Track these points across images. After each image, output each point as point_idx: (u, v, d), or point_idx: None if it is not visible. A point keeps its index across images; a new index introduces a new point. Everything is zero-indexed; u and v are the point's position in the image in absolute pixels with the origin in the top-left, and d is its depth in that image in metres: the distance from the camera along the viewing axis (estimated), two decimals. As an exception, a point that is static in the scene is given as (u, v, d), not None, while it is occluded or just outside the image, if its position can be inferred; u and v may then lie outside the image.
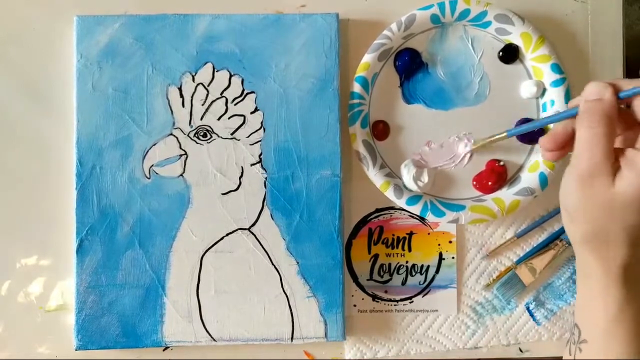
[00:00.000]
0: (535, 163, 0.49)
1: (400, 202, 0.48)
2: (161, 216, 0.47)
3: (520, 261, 0.50)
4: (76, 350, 0.47)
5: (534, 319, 0.50)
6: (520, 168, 0.50)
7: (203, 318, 0.48)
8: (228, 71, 0.48)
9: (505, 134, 0.45)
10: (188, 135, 0.48)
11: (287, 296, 0.48)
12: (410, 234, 0.50)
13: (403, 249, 0.50)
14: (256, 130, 0.48)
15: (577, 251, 0.38)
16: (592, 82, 0.36)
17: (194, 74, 0.48)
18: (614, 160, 0.35)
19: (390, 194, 0.48)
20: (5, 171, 0.49)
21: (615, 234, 0.35)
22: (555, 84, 0.48)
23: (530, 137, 0.49)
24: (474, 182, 0.49)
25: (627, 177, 0.34)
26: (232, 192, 0.48)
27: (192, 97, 0.48)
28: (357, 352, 0.49)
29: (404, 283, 0.50)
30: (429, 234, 0.50)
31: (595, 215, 0.35)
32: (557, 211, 0.50)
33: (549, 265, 0.50)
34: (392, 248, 0.50)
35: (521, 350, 0.51)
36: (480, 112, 0.49)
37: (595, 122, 0.35)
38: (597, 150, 0.34)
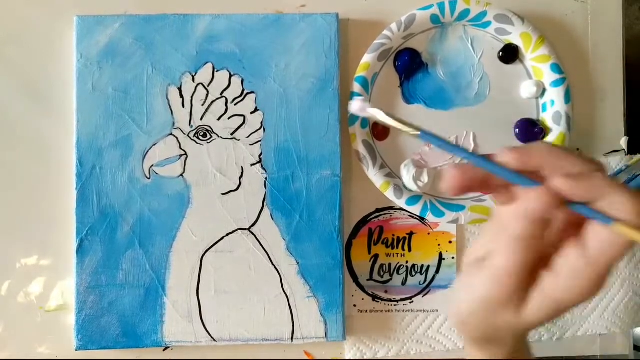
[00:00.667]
0: (535, 163, 0.49)
1: (400, 202, 0.48)
2: (161, 216, 0.47)
3: (520, 261, 0.50)
4: (76, 350, 0.47)
5: (534, 319, 0.50)
6: (520, 168, 0.50)
7: (203, 318, 0.48)
8: (228, 71, 0.48)
9: (418, 133, 0.33)
10: (188, 136, 0.48)
11: (287, 296, 0.48)
12: (410, 234, 0.50)
13: (403, 249, 0.50)
14: (256, 131, 0.48)
15: (465, 346, 0.36)
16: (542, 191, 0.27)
17: (194, 74, 0.48)
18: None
19: (390, 194, 0.48)
20: (6, 171, 0.49)
21: (505, 337, 0.32)
22: (555, 84, 0.48)
23: (531, 137, 0.49)
24: (474, 182, 0.49)
25: (536, 305, 0.29)
26: (232, 192, 0.48)
27: (192, 97, 0.48)
28: (357, 352, 0.49)
29: (404, 283, 0.50)
30: (429, 234, 0.50)
31: (490, 333, 0.32)
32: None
33: (548, 265, 0.50)
34: (392, 248, 0.50)
35: (521, 350, 0.51)
36: (480, 112, 0.50)
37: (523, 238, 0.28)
38: (514, 277, 0.28)
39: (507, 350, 0.33)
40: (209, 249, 0.48)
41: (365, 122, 0.48)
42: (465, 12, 0.48)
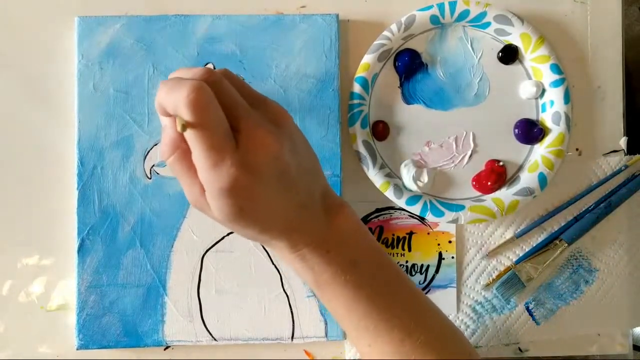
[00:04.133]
0: (534, 163, 0.49)
1: (400, 202, 0.48)
2: (162, 216, 0.48)
3: (519, 261, 0.50)
4: (77, 349, 0.47)
5: (534, 319, 0.51)
6: (519, 168, 0.50)
7: (204, 317, 0.48)
8: (229, 72, 0.48)
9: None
10: (189, 136, 0.48)
11: (287, 296, 0.48)
12: (410, 233, 0.50)
13: (403, 249, 0.50)
14: (257, 131, 0.48)
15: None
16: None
17: (194, 74, 0.48)
18: None
19: (390, 194, 0.48)
20: (7, 171, 0.49)
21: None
22: (555, 84, 0.48)
23: (530, 137, 0.49)
24: (474, 182, 0.49)
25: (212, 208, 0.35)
26: (233, 192, 0.48)
27: (192, 97, 0.48)
28: (357, 351, 0.50)
29: (403, 283, 0.50)
30: (428, 233, 0.50)
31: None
32: (556, 211, 0.50)
33: (548, 265, 0.50)
34: (392, 248, 0.50)
35: (520, 350, 0.51)
36: (480, 113, 0.50)
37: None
38: (186, 189, 0.35)
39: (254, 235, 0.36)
40: (210, 248, 0.48)
41: (365, 122, 0.48)
42: (465, 13, 0.48)
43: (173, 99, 0.32)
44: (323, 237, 0.36)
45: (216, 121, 0.32)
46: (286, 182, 0.34)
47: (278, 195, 0.34)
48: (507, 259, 0.51)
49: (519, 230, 0.50)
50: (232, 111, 0.33)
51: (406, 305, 0.37)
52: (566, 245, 0.50)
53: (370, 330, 0.36)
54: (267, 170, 0.33)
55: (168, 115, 0.34)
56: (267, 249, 0.48)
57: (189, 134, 0.32)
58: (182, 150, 0.33)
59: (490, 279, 0.50)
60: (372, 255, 0.38)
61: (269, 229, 0.35)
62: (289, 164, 0.34)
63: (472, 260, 0.50)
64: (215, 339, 0.48)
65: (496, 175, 0.49)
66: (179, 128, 0.31)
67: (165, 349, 0.49)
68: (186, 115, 0.31)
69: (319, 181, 0.38)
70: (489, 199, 0.49)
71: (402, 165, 0.49)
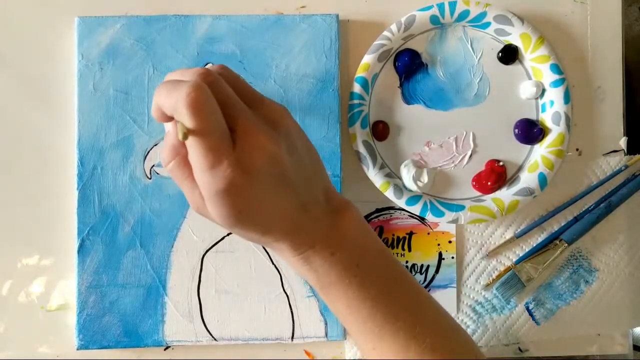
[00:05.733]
0: (534, 163, 0.49)
1: (400, 202, 0.48)
2: (162, 216, 0.48)
3: (519, 261, 0.50)
4: (77, 349, 0.47)
5: (534, 319, 0.51)
6: (519, 168, 0.50)
7: (204, 318, 0.48)
8: (229, 72, 0.48)
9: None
10: (189, 136, 0.48)
11: (287, 296, 0.48)
12: (410, 234, 0.50)
13: (403, 249, 0.50)
14: (257, 131, 0.48)
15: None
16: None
17: (194, 74, 0.48)
18: None
19: (390, 194, 0.48)
20: (7, 171, 0.49)
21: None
22: (555, 84, 0.48)
23: (530, 137, 0.49)
24: (474, 182, 0.49)
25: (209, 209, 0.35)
26: (233, 192, 0.48)
27: (192, 97, 0.48)
28: (357, 351, 0.50)
29: (403, 283, 0.50)
30: (428, 234, 0.50)
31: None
32: (556, 211, 0.50)
33: (548, 265, 0.50)
34: (392, 248, 0.50)
35: (520, 350, 0.51)
36: (480, 113, 0.50)
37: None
38: (186, 193, 0.35)
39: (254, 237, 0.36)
40: (210, 248, 0.48)
41: (365, 122, 0.48)
42: (465, 13, 0.48)
43: (172, 100, 0.32)
44: (327, 238, 0.36)
45: (215, 122, 0.32)
46: (285, 183, 0.34)
47: (277, 196, 0.34)
48: (507, 259, 0.51)
49: (519, 230, 0.50)
50: (229, 111, 0.33)
51: (412, 307, 0.37)
52: (566, 245, 0.50)
53: (375, 333, 0.36)
54: (263, 171, 0.33)
55: (166, 119, 0.34)
56: (270, 251, 0.48)
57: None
58: (182, 156, 0.33)
59: (490, 279, 0.50)
60: (377, 256, 0.37)
61: (270, 231, 0.35)
62: (287, 164, 0.34)
63: (472, 260, 0.50)
64: (215, 339, 0.48)
65: (496, 175, 0.49)
66: (180, 136, 0.31)
67: (165, 349, 0.49)
68: (185, 115, 0.31)
69: (321, 181, 0.37)
70: (489, 199, 0.49)
71: (402, 166, 0.49)
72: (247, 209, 0.33)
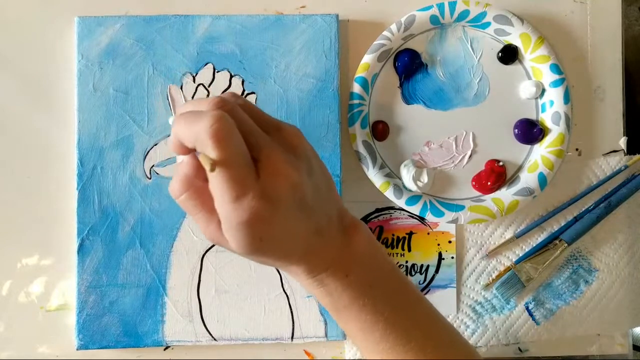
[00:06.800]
0: (534, 163, 0.49)
1: (400, 202, 0.48)
2: (162, 216, 0.48)
3: (519, 261, 0.50)
4: (77, 350, 0.47)
5: (533, 319, 0.51)
6: (519, 168, 0.50)
7: (204, 317, 0.48)
8: (228, 72, 0.48)
9: None
10: (189, 136, 0.48)
11: (287, 296, 0.48)
12: (410, 233, 0.50)
13: (403, 249, 0.50)
14: (256, 131, 0.48)
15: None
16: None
17: (194, 74, 0.48)
18: None
19: (390, 194, 0.48)
20: (7, 171, 0.49)
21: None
22: (554, 84, 0.49)
23: (530, 137, 0.49)
24: (473, 182, 0.49)
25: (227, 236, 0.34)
26: (233, 192, 0.48)
27: (192, 97, 0.48)
28: (357, 351, 0.50)
29: (403, 283, 0.50)
30: (428, 233, 0.50)
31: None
32: (556, 211, 0.50)
33: (548, 265, 0.50)
34: (392, 248, 0.50)
35: (520, 350, 0.51)
36: (480, 113, 0.50)
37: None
38: (198, 219, 0.34)
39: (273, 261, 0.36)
40: (210, 248, 0.48)
41: (365, 122, 0.48)
42: (465, 13, 0.48)
43: (194, 131, 0.31)
44: (340, 260, 0.35)
45: (240, 152, 0.31)
46: (304, 209, 0.33)
47: (297, 222, 0.33)
48: (507, 259, 0.51)
49: (518, 230, 0.50)
50: (251, 139, 0.32)
51: (423, 326, 0.37)
52: (566, 245, 0.50)
53: (387, 353, 0.36)
54: (286, 199, 0.32)
55: (187, 152, 0.33)
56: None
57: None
58: (195, 188, 0.33)
59: (490, 279, 0.50)
60: (389, 276, 0.37)
61: (287, 257, 0.34)
62: (307, 189, 0.33)
63: (472, 260, 0.50)
64: (215, 339, 0.48)
65: (496, 175, 0.49)
66: (207, 167, 0.30)
67: (165, 349, 0.49)
68: (209, 146, 0.30)
69: (335, 202, 0.37)
70: (488, 199, 0.49)
71: (402, 166, 0.49)
72: (267, 237, 0.32)
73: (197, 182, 0.33)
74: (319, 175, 0.36)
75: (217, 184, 0.31)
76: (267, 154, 0.33)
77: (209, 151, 0.30)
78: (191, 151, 0.33)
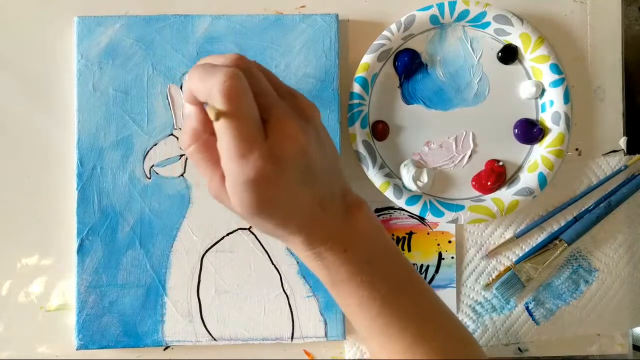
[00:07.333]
0: (534, 163, 0.49)
1: (400, 202, 0.48)
2: (162, 216, 0.48)
3: (519, 261, 0.50)
4: (77, 350, 0.47)
5: (533, 319, 0.51)
6: (519, 168, 0.50)
7: (204, 318, 0.48)
8: (228, 72, 0.48)
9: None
10: (188, 136, 0.48)
11: (287, 296, 0.48)
12: (410, 233, 0.50)
13: (402, 249, 0.50)
14: (256, 131, 0.48)
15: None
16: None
17: (194, 74, 0.48)
18: None
19: (389, 194, 0.48)
20: (6, 171, 0.49)
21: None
22: (555, 84, 0.48)
23: (530, 137, 0.49)
24: (473, 182, 0.49)
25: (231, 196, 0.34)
26: (233, 192, 0.48)
27: (192, 97, 0.48)
28: (357, 351, 0.50)
29: (403, 283, 0.50)
30: (428, 233, 0.50)
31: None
32: (556, 211, 0.50)
33: (548, 265, 0.50)
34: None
35: (520, 350, 0.51)
36: (480, 113, 0.50)
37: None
38: (208, 179, 0.35)
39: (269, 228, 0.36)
40: (210, 248, 0.48)
41: (365, 122, 0.48)
42: (465, 13, 0.48)
43: (207, 86, 0.31)
44: (340, 235, 0.36)
45: (249, 111, 0.31)
46: (310, 176, 0.33)
47: (301, 188, 0.33)
48: (507, 259, 0.51)
49: (518, 230, 0.50)
50: (262, 100, 0.33)
51: (420, 307, 0.37)
52: (566, 245, 0.50)
53: (383, 331, 0.36)
54: (293, 162, 0.32)
55: (196, 103, 0.34)
56: (269, 244, 0.48)
57: (219, 123, 0.31)
58: (203, 141, 0.33)
59: (490, 279, 0.50)
60: (388, 255, 0.37)
61: (287, 223, 0.34)
62: (315, 158, 0.33)
63: (471, 260, 0.50)
64: (215, 339, 0.48)
65: (496, 175, 0.49)
66: (212, 117, 0.30)
67: (165, 349, 0.49)
68: (220, 103, 0.30)
69: (340, 179, 0.37)
70: (488, 199, 0.49)
71: (402, 165, 0.49)
72: (270, 199, 0.32)
73: (205, 136, 0.33)
74: (328, 149, 0.36)
75: (224, 140, 0.31)
76: (277, 116, 0.32)
77: (219, 106, 0.30)
78: (202, 103, 0.33)
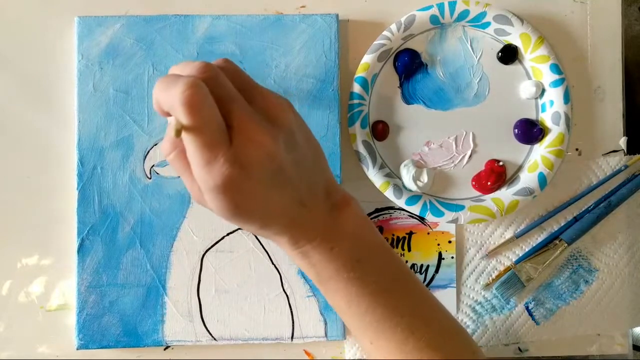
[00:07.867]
0: (534, 163, 0.49)
1: (400, 202, 0.48)
2: (162, 216, 0.48)
3: (519, 261, 0.50)
4: (77, 349, 0.47)
5: (533, 319, 0.51)
6: (519, 168, 0.50)
7: (204, 317, 0.48)
8: (228, 72, 0.48)
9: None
10: (188, 136, 0.48)
11: (287, 295, 0.48)
12: (410, 233, 0.50)
13: (403, 249, 0.50)
14: (256, 131, 0.48)
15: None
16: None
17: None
18: None
19: (389, 194, 0.48)
20: (7, 171, 0.49)
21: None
22: (554, 84, 0.49)
23: (530, 137, 0.49)
24: (473, 182, 0.49)
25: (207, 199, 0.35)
26: (233, 192, 0.48)
27: (192, 97, 0.48)
28: (357, 351, 0.50)
29: (403, 283, 0.50)
30: (428, 233, 0.50)
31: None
32: (556, 211, 0.50)
33: (548, 264, 0.50)
34: (392, 248, 0.50)
35: (520, 350, 0.51)
36: (480, 113, 0.50)
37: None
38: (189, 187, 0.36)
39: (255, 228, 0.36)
40: (210, 248, 0.48)
41: (365, 122, 0.48)
42: (465, 13, 0.48)
43: (168, 97, 0.32)
44: (326, 233, 0.36)
45: (210, 119, 0.31)
46: (281, 179, 0.34)
47: (274, 191, 0.34)
48: (507, 259, 0.51)
49: (518, 230, 0.50)
50: (227, 106, 0.33)
51: (411, 303, 0.37)
52: (566, 245, 0.50)
53: (373, 327, 0.36)
54: (259, 166, 0.33)
55: (166, 114, 0.34)
56: (269, 244, 0.48)
57: (184, 132, 0.32)
58: (181, 149, 0.34)
59: (490, 279, 0.50)
60: (377, 252, 0.38)
61: (269, 224, 0.35)
62: (284, 160, 0.34)
63: (471, 260, 0.50)
64: (215, 339, 0.48)
65: (496, 175, 0.49)
66: (173, 133, 0.31)
67: (165, 349, 0.49)
68: (180, 112, 0.31)
69: (323, 175, 0.37)
70: (488, 199, 0.49)
71: (402, 165, 0.49)
72: (243, 204, 0.33)
73: (182, 144, 0.33)
74: (304, 147, 0.36)
75: (190, 149, 0.32)
76: (240, 120, 0.33)
77: (179, 116, 0.31)
78: (170, 114, 0.34)
